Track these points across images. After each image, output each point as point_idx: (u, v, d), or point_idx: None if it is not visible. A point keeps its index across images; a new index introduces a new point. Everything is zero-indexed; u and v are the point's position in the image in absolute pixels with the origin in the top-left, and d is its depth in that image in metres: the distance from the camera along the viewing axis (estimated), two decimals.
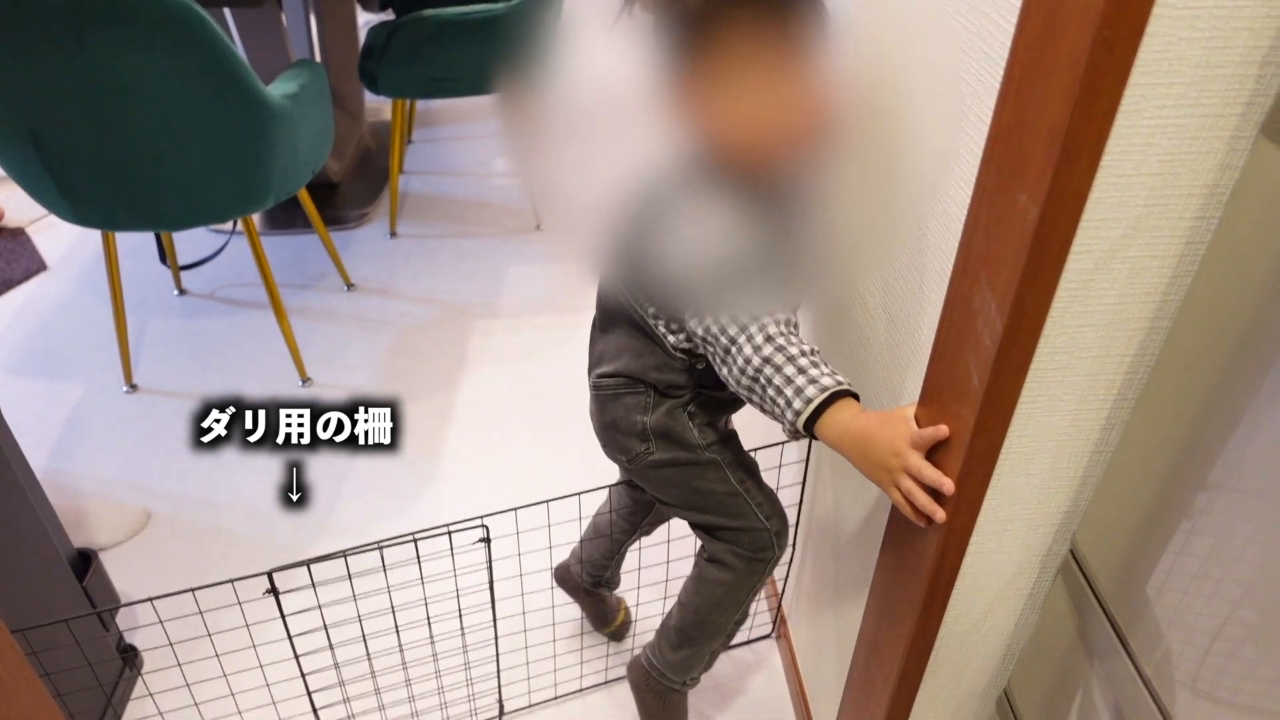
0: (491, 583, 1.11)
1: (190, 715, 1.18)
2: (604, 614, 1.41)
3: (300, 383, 1.97)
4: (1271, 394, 0.52)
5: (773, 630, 1.45)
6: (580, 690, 1.36)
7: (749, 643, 1.44)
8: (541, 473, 1.75)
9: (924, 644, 0.81)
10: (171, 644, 1.03)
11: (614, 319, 1.00)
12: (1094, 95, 0.51)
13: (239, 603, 0.97)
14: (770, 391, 0.77)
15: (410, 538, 0.99)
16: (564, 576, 1.39)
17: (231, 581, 0.96)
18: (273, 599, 0.96)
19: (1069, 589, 0.76)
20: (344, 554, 0.98)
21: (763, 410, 0.81)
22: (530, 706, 1.34)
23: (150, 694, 1.22)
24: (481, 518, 1.01)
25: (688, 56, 0.80)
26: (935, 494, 0.69)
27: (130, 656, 1.37)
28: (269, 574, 0.94)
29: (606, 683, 1.37)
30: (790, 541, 1.18)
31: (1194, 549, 0.59)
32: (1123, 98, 0.52)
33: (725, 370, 0.82)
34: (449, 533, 0.98)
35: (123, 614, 1.43)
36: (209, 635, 1.00)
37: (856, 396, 0.75)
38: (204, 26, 1.42)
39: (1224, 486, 0.57)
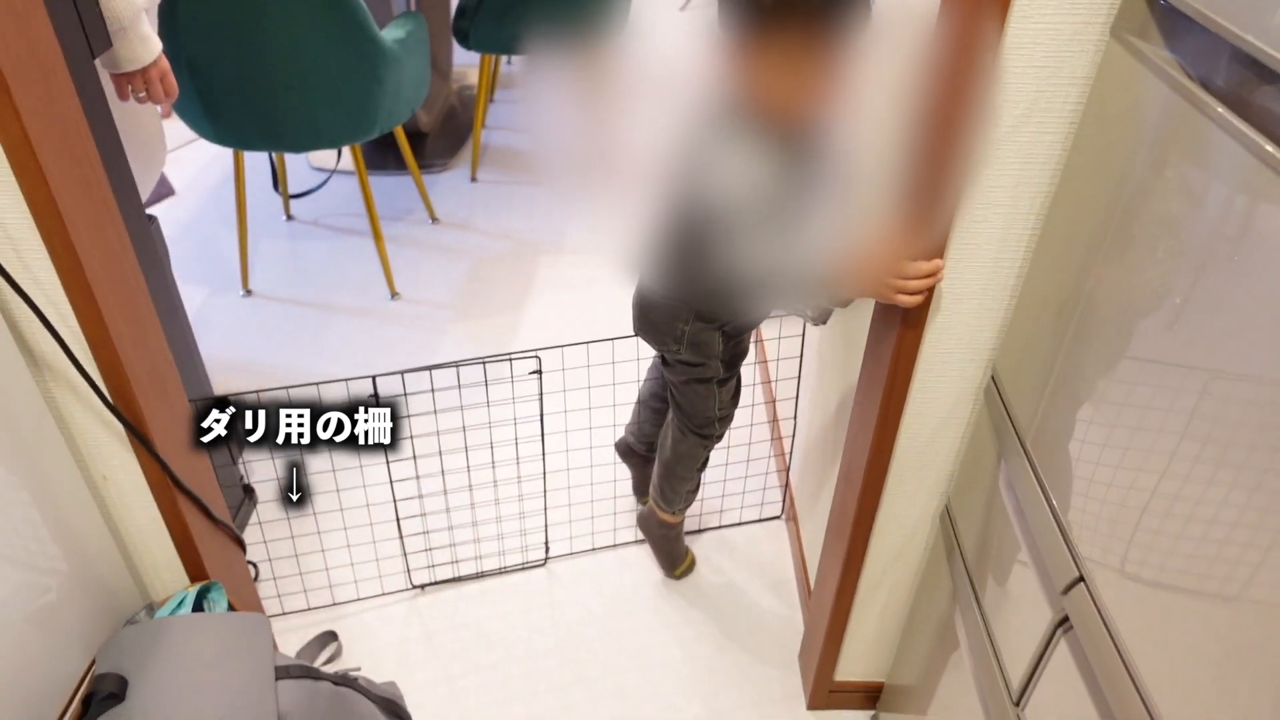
0: (542, 412, 1.40)
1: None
2: (647, 483, 1.65)
3: (390, 296, 2.26)
4: (1125, 241, 0.73)
5: (782, 512, 1.68)
6: (614, 545, 1.61)
7: (761, 521, 1.68)
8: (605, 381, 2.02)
9: (883, 453, 1.03)
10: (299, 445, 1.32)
11: (672, 243, 1.16)
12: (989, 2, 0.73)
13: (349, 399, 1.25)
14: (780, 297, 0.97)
15: (479, 360, 1.27)
16: (623, 448, 1.64)
17: (345, 380, 1.23)
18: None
19: (991, 416, 0.97)
20: (429, 369, 1.25)
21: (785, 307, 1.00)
22: (571, 554, 1.60)
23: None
24: (535, 351, 1.27)
25: (746, 37, 0.95)
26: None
27: (250, 491, 1.67)
28: (373, 378, 1.21)
29: (638, 541, 1.62)
30: (793, 422, 1.41)
31: (1080, 372, 0.81)
32: (1012, 5, 0.73)
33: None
34: (510, 360, 1.26)
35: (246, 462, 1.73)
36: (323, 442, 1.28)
37: None
38: None
39: (1098, 318, 0.77)
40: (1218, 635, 0.59)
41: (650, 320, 1.27)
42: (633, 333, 1.33)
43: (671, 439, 1.41)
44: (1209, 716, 0.59)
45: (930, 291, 0.90)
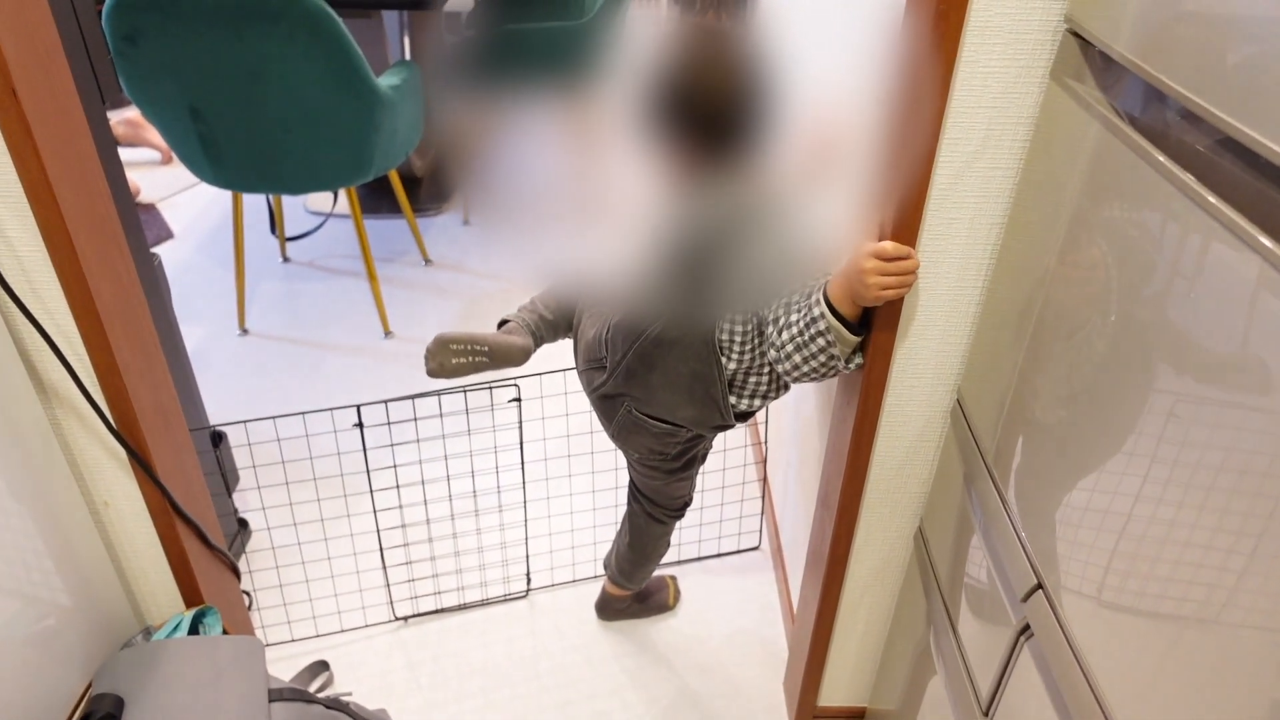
0: (521, 439, 1.43)
1: (288, 536, 1.50)
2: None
3: (384, 335, 2.31)
4: (1068, 268, 0.78)
5: (762, 541, 1.71)
6: (595, 576, 1.64)
7: (741, 551, 1.71)
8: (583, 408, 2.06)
9: (858, 477, 1.07)
10: (283, 462, 1.35)
11: (676, 372, 1.11)
12: (939, 47, 0.79)
13: (334, 431, 1.29)
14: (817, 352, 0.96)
15: (462, 389, 1.31)
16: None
17: (330, 410, 1.27)
18: (359, 433, 1.28)
19: (957, 437, 1.01)
20: (412, 397, 1.29)
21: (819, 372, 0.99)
22: (553, 585, 1.63)
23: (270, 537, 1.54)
24: (514, 379, 1.32)
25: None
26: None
27: (243, 526, 1.70)
28: (357, 407, 1.25)
29: None
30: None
31: (1033, 391, 0.85)
32: (960, 51, 0.79)
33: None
34: (490, 388, 1.30)
35: (236, 496, 1.76)
36: (310, 459, 1.32)
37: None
38: (334, 25, 1.78)
39: (1045, 342, 0.82)
40: (1165, 637, 0.63)
41: (638, 441, 1.23)
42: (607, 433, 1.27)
43: (646, 527, 1.41)
44: (1159, 714, 0.63)
45: (904, 290, 0.90)
